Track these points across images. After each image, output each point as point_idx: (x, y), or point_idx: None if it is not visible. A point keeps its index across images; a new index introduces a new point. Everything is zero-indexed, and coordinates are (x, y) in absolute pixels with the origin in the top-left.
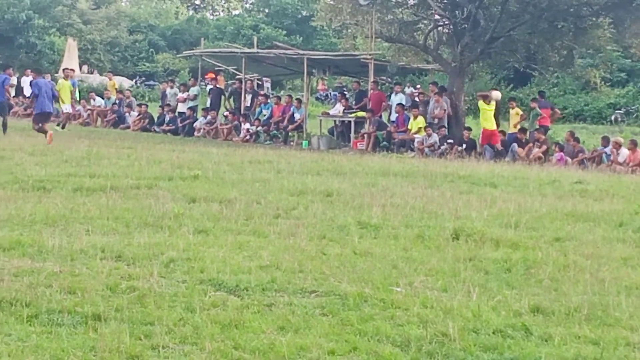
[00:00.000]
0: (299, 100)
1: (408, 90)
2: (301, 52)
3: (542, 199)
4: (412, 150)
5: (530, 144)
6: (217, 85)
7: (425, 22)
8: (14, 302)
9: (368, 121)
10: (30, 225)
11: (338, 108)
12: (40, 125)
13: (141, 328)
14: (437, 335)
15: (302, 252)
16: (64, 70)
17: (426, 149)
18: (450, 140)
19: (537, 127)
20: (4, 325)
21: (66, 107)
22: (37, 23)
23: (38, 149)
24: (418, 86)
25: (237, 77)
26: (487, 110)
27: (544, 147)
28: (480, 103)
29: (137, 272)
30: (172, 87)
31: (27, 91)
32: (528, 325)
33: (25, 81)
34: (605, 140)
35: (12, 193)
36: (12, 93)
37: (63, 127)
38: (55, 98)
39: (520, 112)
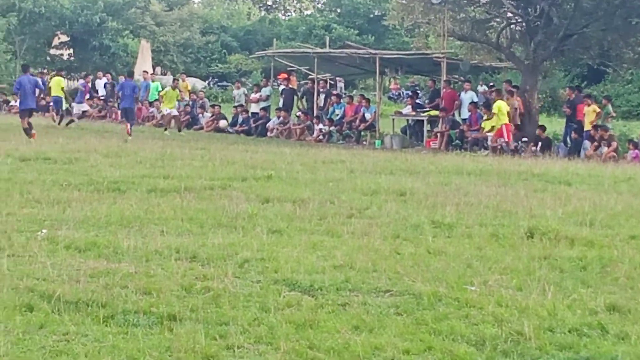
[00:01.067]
0: (368, 100)
1: (481, 88)
2: (373, 51)
3: (617, 197)
4: (485, 148)
5: (596, 142)
6: (290, 86)
7: (497, 20)
8: (90, 303)
9: (441, 120)
10: (106, 227)
11: (410, 107)
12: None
13: (216, 328)
14: (512, 334)
15: (376, 251)
16: (147, 72)
17: (499, 147)
18: (524, 139)
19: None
20: (81, 326)
21: (167, 110)
22: (111, 25)
23: (112, 150)
24: (491, 84)
25: (310, 77)
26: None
27: (614, 145)
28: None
29: (212, 273)
30: (239, 88)
31: (102, 93)
32: (604, 324)
33: (99, 83)
34: None
35: (87, 194)
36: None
37: (179, 130)
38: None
39: (598, 110)
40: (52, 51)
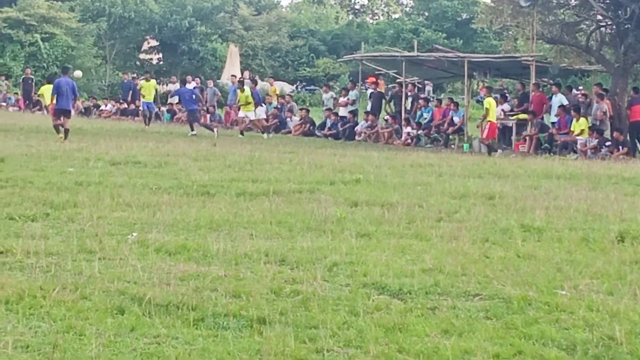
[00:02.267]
0: (456, 103)
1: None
2: (461, 54)
3: None
4: (575, 152)
5: None
6: (378, 89)
7: (587, 22)
8: (180, 305)
9: (530, 123)
10: (195, 230)
11: (499, 110)
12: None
13: (305, 331)
14: (604, 339)
15: (464, 255)
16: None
17: (589, 151)
18: (608, 143)
19: None
20: (171, 329)
21: (251, 115)
22: (200, 30)
23: (201, 154)
24: (580, 87)
25: (398, 80)
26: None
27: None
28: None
29: (301, 276)
30: (327, 92)
31: None
32: None
33: (190, 88)
34: None
35: (177, 198)
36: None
37: (268, 133)
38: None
39: None
40: (142, 56)
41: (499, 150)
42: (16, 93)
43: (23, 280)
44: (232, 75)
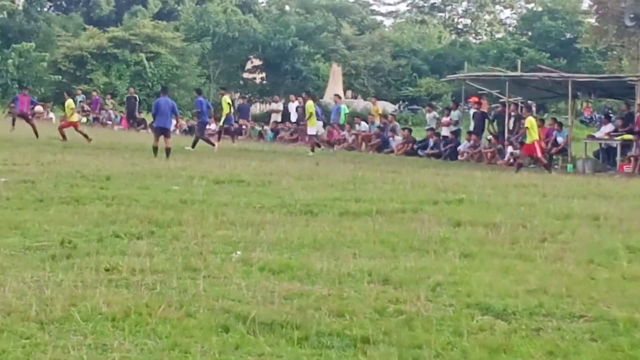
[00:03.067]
0: (560, 124)
1: None
2: (565, 74)
3: None
4: None
5: None
6: (481, 109)
7: None
8: (284, 324)
9: (635, 144)
10: (299, 249)
11: (603, 130)
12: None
13: (409, 351)
14: None
15: (569, 276)
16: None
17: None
18: None
19: None
20: (276, 347)
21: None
22: (303, 49)
23: (304, 173)
24: None
25: (501, 100)
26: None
27: None
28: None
29: (404, 296)
30: (430, 112)
31: (294, 117)
32: None
33: (292, 107)
34: None
35: (280, 217)
36: (277, 118)
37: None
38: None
39: None
40: (245, 75)
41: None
42: (121, 112)
43: (129, 297)
44: (335, 95)
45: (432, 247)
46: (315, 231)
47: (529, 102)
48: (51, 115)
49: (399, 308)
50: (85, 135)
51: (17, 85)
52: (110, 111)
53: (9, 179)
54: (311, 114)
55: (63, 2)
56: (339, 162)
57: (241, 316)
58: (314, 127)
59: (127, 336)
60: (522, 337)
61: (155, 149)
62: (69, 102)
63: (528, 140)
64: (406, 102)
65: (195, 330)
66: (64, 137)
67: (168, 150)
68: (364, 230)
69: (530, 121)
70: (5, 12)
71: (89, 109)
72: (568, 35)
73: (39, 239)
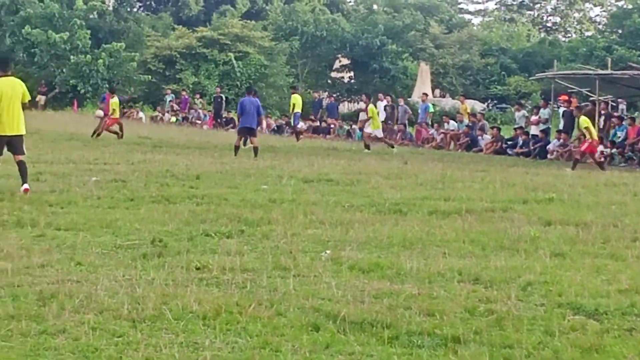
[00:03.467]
0: None
1: None
2: None
3: None
4: None
5: None
6: (571, 108)
7: None
8: (374, 323)
9: None
10: (388, 248)
11: None
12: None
13: (500, 351)
14: None
15: None
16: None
17: None
18: None
19: None
20: (366, 346)
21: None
22: (391, 48)
23: (393, 172)
24: None
25: (591, 99)
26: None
27: None
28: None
29: (495, 295)
30: (519, 110)
31: (382, 116)
32: None
33: (380, 106)
34: None
35: (369, 216)
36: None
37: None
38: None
39: None
40: (333, 74)
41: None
42: (210, 111)
43: (220, 296)
44: (423, 94)
45: (523, 246)
46: (405, 230)
47: (619, 100)
48: (141, 114)
49: (490, 307)
50: (117, 133)
51: (107, 85)
52: (200, 110)
53: (100, 178)
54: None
55: (152, 3)
56: (427, 161)
57: (331, 315)
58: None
59: (218, 334)
60: (614, 337)
61: (236, 149)
62: (114, 100)
63: (588, 139)
64: (495, 101)
65: (285, 328)
66: (116, 133)
67: (256, 150)
68: (454, 229)
69: (585, 120)
70: (95, 13)
71: (178, 108)
72: None
73: (130, 238)
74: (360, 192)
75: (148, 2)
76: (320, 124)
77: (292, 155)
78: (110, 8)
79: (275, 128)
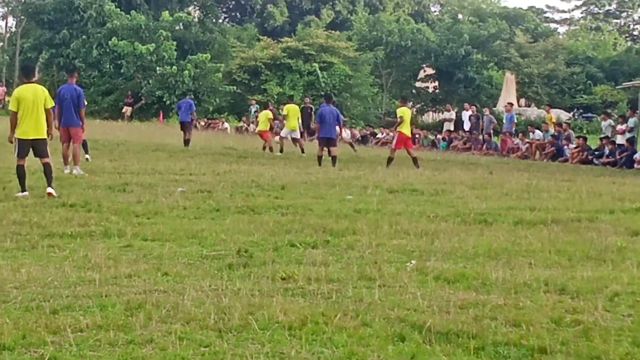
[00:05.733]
0: None
1: None
2: None
3: None
4: None
5: None
6: None
7: None
8: (460, 333)
9: None
10: (473, 258)
11: None
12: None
13: None
14: None
15: None
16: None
17: None
18: None
19: None
20: (452, 357)
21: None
22: (475, 58)
23: (478, 182)
24: None
25: None
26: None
27: None
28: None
29: (581, 306)
30: (605, 119)
31: (467, 126)
32: None
33: (465, 115)
34: None
35: (454, 226)
36: (450, 127)
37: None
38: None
39: None
40: (418, 84)
41: None
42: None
43: (305, 306)
44: (508, 103)
45: (609, 257)
46: (490, 240)
47: None
48: (226, 125)
49: (576, 318)
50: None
51: (193, 96)
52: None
53: (186, 188)
54: (286, 115)
55: (238, 14)
56: (512, 170)
57: (417, 325)
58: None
59: (303, 345)
60: None
61: (319, 158)
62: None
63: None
64: (580, 110)
65: (371, 339)
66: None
67: (334, 159)
68: (540, 240)
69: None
70: (181, 24)
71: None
72: None
73: (216, 248)
74: (445, 202)
75: (233, 14)
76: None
77: (377, 165)
78: (196, 19)
79: (360, 138)
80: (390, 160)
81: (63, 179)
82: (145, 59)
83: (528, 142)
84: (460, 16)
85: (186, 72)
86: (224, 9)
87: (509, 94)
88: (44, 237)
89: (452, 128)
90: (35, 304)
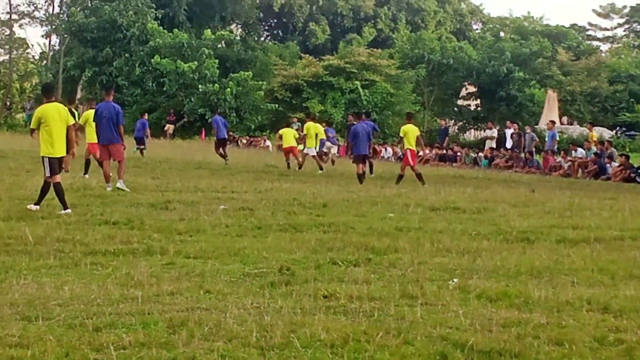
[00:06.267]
0: None
1: None
2: None
3: None
4: None
5: None
6: None
7: None
8: (503, 352)
9: None
10: (516, 276)
11: None
12: None
13: None
14: None
15: None
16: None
17: None
18: None
19: None
20: None
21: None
22: (518, 76)
23: (520, 200)
24: None
25: None
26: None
27: None
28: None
29: (625, 325)
30: None
31: (509, 144)
32: None
33: (507, 133)
34: None
35: (496, 244)
36: (492, 145)
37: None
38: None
39: None
40: (460, 102)
41: None
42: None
43: (347, 324)
44: (550, 121)
45: None
46: (533, 258)
47: None
48: (268, 143)
49: (620, 337)
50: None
51: (234, 114)
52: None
53: (228, 206)
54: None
55: (279, 32)
56: (555, 188)
57: (459, 344)
58: (312, 148)
59: None
60: None
61: (360, 176)
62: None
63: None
64: (623, 128)
65: (413, 357)
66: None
67: (371, 166)
68: (582, 258)
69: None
70: (223, 42)
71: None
72: None
73: (257, 266)
74: (487, 220)
75: (275, 32)
76: (447, 151)
77: (419, 183)
78: (238, 37)
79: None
80: (419, 176)
81: (106, 197)
82: (188, 77)
83: (570, 160)
84: (502, 34)
85: (228, 90)
86: (266, 27)
87: (551, 111)
88: (87, 255)
89: (494, 146)
90: (79, 321)
